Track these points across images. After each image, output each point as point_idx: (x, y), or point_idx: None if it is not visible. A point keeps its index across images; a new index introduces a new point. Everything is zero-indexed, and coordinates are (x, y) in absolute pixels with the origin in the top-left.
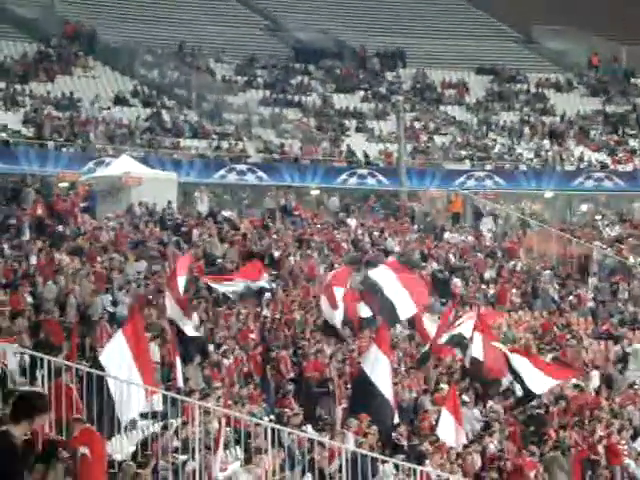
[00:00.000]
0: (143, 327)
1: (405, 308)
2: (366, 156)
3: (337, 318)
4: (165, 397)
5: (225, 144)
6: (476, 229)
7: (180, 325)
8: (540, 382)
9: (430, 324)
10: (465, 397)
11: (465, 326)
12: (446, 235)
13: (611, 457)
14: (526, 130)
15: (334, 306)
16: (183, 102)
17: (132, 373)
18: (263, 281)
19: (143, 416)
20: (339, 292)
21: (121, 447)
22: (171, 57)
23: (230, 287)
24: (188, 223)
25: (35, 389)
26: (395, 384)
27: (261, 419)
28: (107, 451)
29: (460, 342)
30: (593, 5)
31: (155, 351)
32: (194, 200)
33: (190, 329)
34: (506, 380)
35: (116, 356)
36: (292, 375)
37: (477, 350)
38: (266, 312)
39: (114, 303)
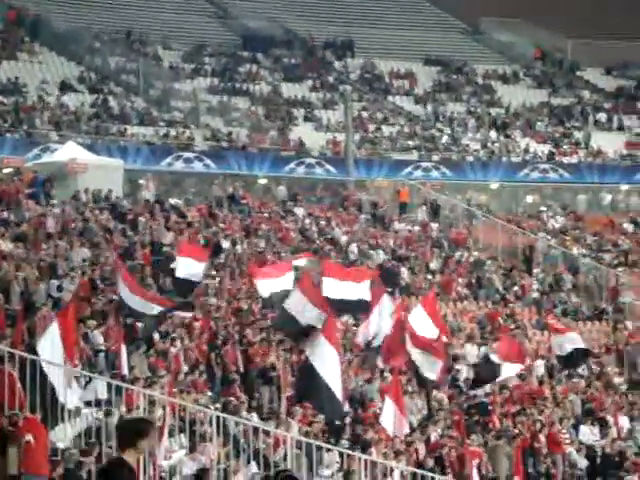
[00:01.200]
0: (76, 315)
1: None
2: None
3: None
4: (109, 385)
5: (173, 132)
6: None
7: (137, 308)
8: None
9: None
10: (409, 387)
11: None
12: (394, 225)
13: (553, 446)
14: (473, 121)
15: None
16: (130, 89)
17: (58, 358)
18: (202, 269)
19: (87, 404)
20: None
21: (65, 435)
22: (119, 43)
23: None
24: (134, 211)
25: (135, 417)
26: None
27: (207, 407)
28: (50, 439)
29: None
30: None
31: (99, 339)
32: (140, 187)
33: (150, 309)
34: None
35: (49, 343)
36: (238, 364)
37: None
38: (213, 300)
39: (59, 289)
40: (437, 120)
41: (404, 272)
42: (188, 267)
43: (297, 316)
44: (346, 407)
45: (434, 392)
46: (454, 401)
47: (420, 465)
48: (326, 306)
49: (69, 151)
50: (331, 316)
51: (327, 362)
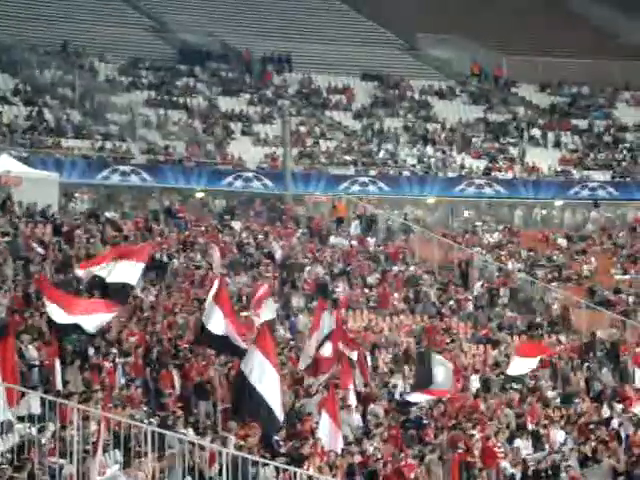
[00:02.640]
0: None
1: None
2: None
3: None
4: (43, 400)
5: (109, 145)
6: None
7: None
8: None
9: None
10: (349, 400)
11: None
12: (331, 239)
13: (487, 459)
14: (409, 137)
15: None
16: (66, 102)
17: None
18: (138, 273)
19: (20, 419)
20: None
21: None
22: (54, 56)
23: (104, 270)
24: (69, 224)
25: None
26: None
27: (142, 422)
28: None
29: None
30: (476, 15)
31: (34, 353)
32: (75, 201)
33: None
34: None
35: None
36: (174, 378)
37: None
38: (147, 314)
39: None
40: (374, 135)
41: (340, 286)
42: (124, 271)
43: (214, 330)
44: (281, 419)
45: (371, 405)
46: (390, 415)
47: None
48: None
49: (3, 163)
50: (264, 327)
51: (262, 374)
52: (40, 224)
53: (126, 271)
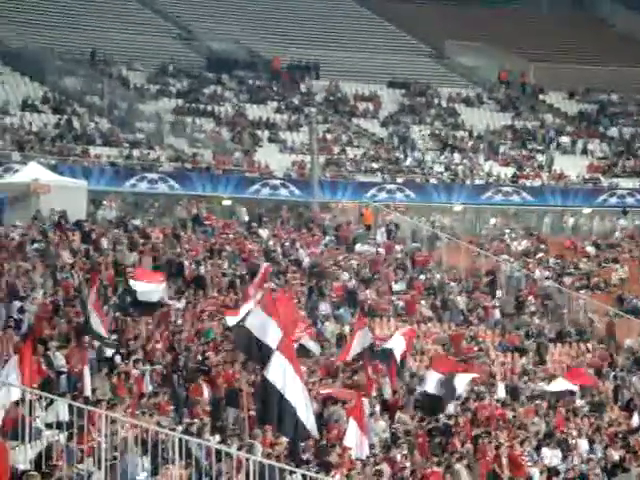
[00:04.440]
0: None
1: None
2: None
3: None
4: (71, 407)
5: (137, 152)
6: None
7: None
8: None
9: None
10: (375, 408)
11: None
12: (357, 247)
13: (514, 468)
14: (436, 144)
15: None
16: (94, 110)
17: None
18: (161, 289)
19: (48, 426)
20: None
21: (25, 457)
22: (83, 64)
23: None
24: (97, 231)
25: None
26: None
27: (170, 430)
28: (11, 461)
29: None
30: (503, 22)
31: (61, 360)
32: (103, 208)
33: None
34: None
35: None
36: (202, 385)
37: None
38: (176, 321)
39: (21, 311)
40: (401, 142)
41: (367, 293)
42: (146, 291)
43: (256, 333)
44: (311, 429)
45: (398, 414)
46: (417, 423)
47: None
48: (288, 324)
49: (32, 172)
50: (288, 335)
51: (288, 382)
52: (69, 232)
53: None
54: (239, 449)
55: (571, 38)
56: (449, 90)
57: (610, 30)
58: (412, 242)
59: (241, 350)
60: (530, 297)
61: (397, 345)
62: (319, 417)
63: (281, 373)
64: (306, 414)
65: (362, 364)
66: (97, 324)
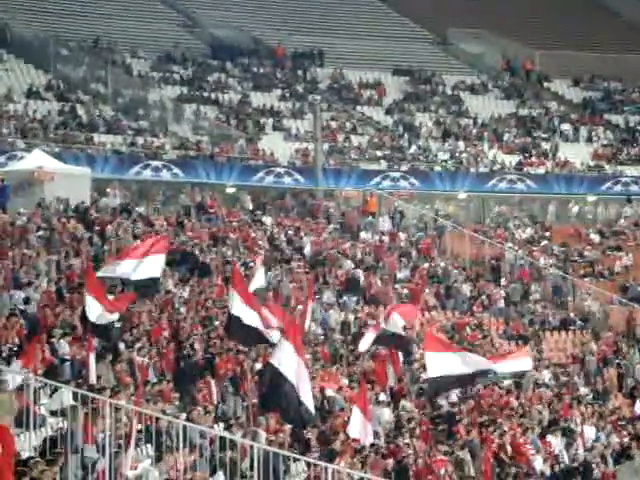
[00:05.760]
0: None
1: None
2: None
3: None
4: (75, 394)
5: (140, 140)
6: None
7: (98, 319)
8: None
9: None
10: (380, 396)
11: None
12: (361, 235)
13: (518, 456)
14: (440, 132)
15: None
16: (98, 97)
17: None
18: (160, 264)
19: (52, 413)
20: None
21: (29, 444)
22: (87, 52)
23: (126, 269)
24: (101, 219)
25: None
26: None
27: (174, 417)
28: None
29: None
30: (508, 9)
31: (65, 348)
32: (107, 196)
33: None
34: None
35: None
36: (204, 372)
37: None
38: (179, 309)
39: (26, 300)
40: (405, 130)
41: (371, 281)
42: (147, 266)
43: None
44: (313, 415)
45: (402, 401)
46: (421, 410)
47: (387, 474)
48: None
49: (36, 159)
50: (293, 322)
51: (291, 368)
52: (72, 219)
53: (149, 266)
54: (243, 437)
55: (576, 26)
56: (453, 78)
57: (616, 18)
58: (416, 230)
59: (239, 341)
60: (534, 285)
61: (397, 327)
62: (321, 404)
63: (287, 358)
64: (310, 400)
65: (375, 351)
66: (96, 311)
